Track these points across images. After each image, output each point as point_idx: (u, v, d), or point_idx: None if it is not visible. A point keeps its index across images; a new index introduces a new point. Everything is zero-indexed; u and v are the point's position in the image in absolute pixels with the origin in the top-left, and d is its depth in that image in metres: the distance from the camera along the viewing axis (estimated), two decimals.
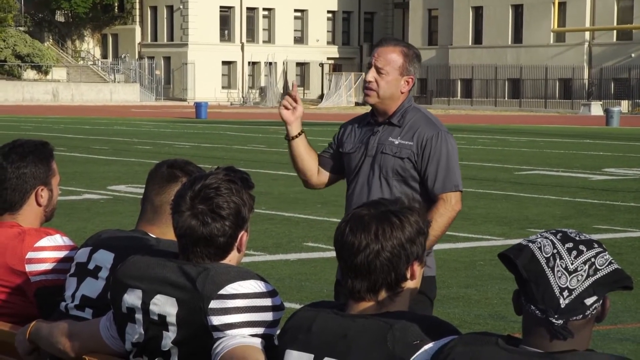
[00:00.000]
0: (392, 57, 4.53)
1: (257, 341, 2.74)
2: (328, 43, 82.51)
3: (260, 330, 2.75)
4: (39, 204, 3.66)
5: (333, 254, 2.67)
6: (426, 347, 2.41)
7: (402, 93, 4.55)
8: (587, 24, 66.64)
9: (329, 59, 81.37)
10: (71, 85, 73.15)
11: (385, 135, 4.57)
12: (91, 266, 3.29)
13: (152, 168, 3.45)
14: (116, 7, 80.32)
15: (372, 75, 4.54)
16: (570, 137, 34.22)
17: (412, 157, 4.52)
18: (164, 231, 3.30)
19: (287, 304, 2.96)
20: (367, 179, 4.60)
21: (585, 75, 68.58)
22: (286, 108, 4.63)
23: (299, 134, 4.67)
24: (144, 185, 3.44)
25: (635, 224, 13.05)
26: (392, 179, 4.54)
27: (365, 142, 4.62)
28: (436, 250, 10.58)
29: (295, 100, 4.62)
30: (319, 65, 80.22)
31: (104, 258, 3.27)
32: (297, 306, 2.69)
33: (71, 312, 3.28)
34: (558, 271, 2.23)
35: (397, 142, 4.54)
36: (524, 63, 70.19)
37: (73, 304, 3.29)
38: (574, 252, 2.25)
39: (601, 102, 60.99)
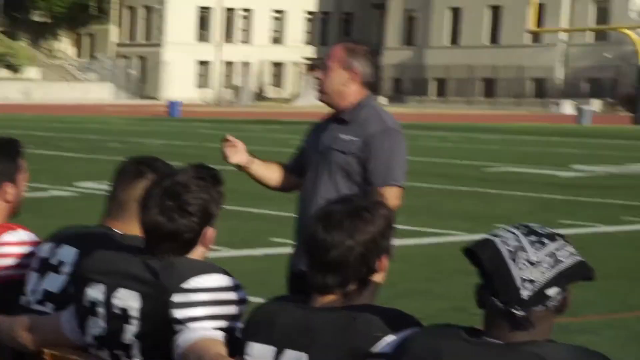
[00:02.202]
0: (335, 53, 4.58)
1: (220, 334, 2.74)
2: (307, 43, 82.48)
3: (223, 324, 2.76)
4: (4, 200, 3.66)
5: None
6: (388, 339, 2.42)
7: (345, 87, 4.56)
8: (565, 25, 66.94)
9: (305, 59, 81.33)
10: (44, 84, 72.79)
11: (336, 131, 4.60)
12: (54, 261, 3.27)
13: (119, 165, 3.44)
14: (93, 8, 79.95)
15: (319, 72, 4.62)
16: (540, 135, 34.38)
17: (357, 153, 4.54)
18: (129, 227, 3.29)
19: (252, 299, 2.99)
20: (316, 174, 4.64)
21: (559, 75, 68.93)
22: (227, 154, 4.70)
23: (250, 162, 4.74)
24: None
25: (600, 219, 13.14)
26: (337, 174, 4.57)
27: (317, 139, 4.68)
28: (402, 245, 10.67)
29: (232, 143, 4.69)
30: (294, 64, 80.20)
31: (67, 253, 3.25)
32: (263, 301, 2.71)
33: (32, 307, 3.27)
34: (521, 263, 2.24)
35: (346, 138, 4.56)
36: (499, 63, 70.45)
37: (35, 298, 3.28)
38: (537, 245, 2.26)
39: (574, 101, 61.33)
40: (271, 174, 4.81)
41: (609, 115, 58.12)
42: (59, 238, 3.33)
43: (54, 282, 3.25)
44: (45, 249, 3.33)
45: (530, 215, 13.48)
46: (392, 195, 4.46)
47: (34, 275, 3.32)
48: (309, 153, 4.72)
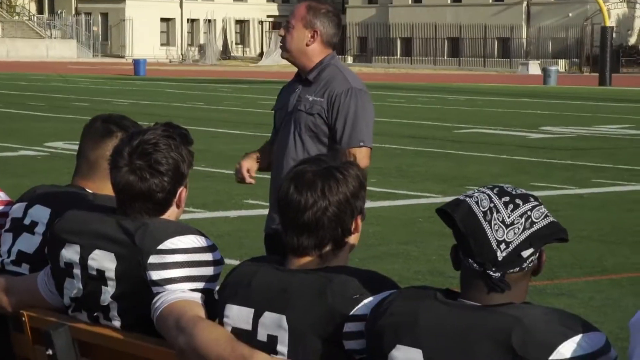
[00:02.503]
0: (297, 11, 4.62)
1: (197, 295, 2.73)
2: (268, 1, 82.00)
3: (200, 285, 2.75)
4: None
5: None
6: (365, 301, 2.43)
7: (307, 46, 4.58)
8: None
9: (268, 16, 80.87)
10: (6, 41, 71.90)
11: (303, 92, 4.62)
12: (27, 222, 3.25)
13: (86, 123, 3.41)
14: None
15: (282, 31, 4.64)
16: (508, 96, 34.50)
17: (322, 113, 4.55)
18: (100, 186, 3.27)
19: (227, 261, 2.97)
20: (285, 135, 4.65)
21: (524, 35, 69.08)
22: (243, 179, 4.70)
23: (255, 165, 4.73)
24: None
25: (572, 181, 13.23)
26: (304, 134, 4.58)
27: (286, 100, 4.70)
28: (375, 207, 10.69)
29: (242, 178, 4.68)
30: (259, 22, 79.73)
31: (40, 213, 3.22)
32: (238, 263, 2.69)
33: (7, 268, 3.24)
34: (495, 224, 2.25)
35: (310, 99, 4.58)
36: (463, 22, 70.46)
37: (9, 259, 3.25)
38: (511, 206, 2.27)
39: (539, 62, 61.51)
40: (269, 158, 4.80)
41: (575, 76, 58.40)
42: (31, 198, 3.29)
43: (28, 243, 3.23)
44: (17, 209, 3.30)
45: (502, 177, 13.54)
46: (360, 156, 4.46)
47: (8, 236, 3.28)
48: (279, 115, 4.74)
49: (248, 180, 4.67)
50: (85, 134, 3.36)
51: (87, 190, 3.28)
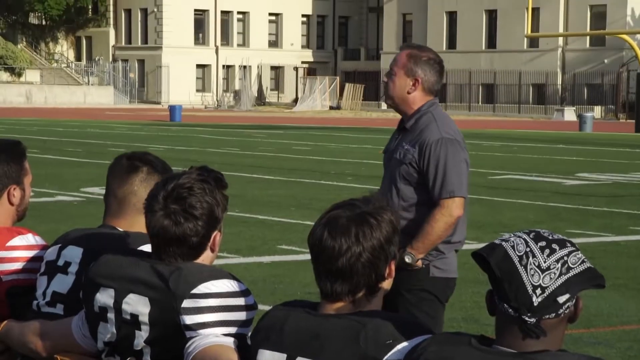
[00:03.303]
0: (399, 59, 4.68)
1: (230, 340, 2.72)
2: (302, 47, 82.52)
3: (233, 330, 2.74)
4: (11, 203, 3.63)
5: (307, 256, 2.65)
6: (399, 346, 2.41)
7: (408, 94, 4.64)
8: (561, 30, 66.99)
9: (303, 62, 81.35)
10: (44, 88, 72.77)
11: (401, 139, 4.71)
12: (60, 262, 3.27)
13: (111, 163, 3.45)
14: (90, 10, 80.00)
15: (385, 77, 4.72)
16: (544, 142, 34.36)
17: (413, 163, 4.61)
18: (131, 223, 3.29)
19: (261, 307, 2.95)
20: (386, 181, 4.75)
21: (559, 81, 68.96)
22: None
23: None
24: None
25: (608, 228, 13.11)
26: (400, 183, 4.64)
27: (389, 146, 4.81)
28: None
29: None
30: (294, 69, 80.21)
31: (73, 253, 3.25)
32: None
33: (43, 310, 3.26)
34: (531, 269, 2.23)
35: (405, 147, 4.65)
36: (497, 68, 70.48)
37: (44, 301, 3.27)
38: (547, 251, 2.24)
39: (574, 108, 61.34)
40: None
41: (611, 122, 58.13)
42: (64, 240, 3.32)
43: (62, 283, 3.24)
44: (50, 252, 3.33)
45: (537, 224, 13.44)
46: (453, 206, 4.55)
47: (43, 279, 3.31)
48: (384, 158, 4.85)
49: None
50: (111, 173, 3.39)
51: (119, 229, 3.30)
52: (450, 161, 4.57)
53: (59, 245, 3.31)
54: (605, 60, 67.00)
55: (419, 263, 4.60)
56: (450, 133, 4.64)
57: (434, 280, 4.70)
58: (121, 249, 3.02)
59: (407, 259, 4.57)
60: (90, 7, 79.31)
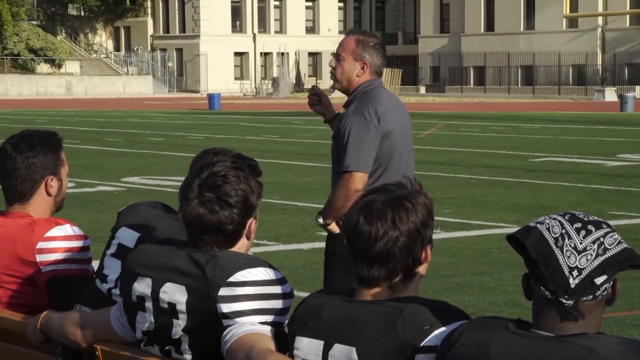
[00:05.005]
0: (346, 44, 4.94)
1: (267, 329, 2.73)
2: (340, 32, 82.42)
3: (269, 318, 2.75)
4: (48, 194, 3.65)
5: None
6: (436, 332, 2.40)
7: (357, 77, 4.88)
8: (600, 9, 66.32)
9: None
10: (84, 79, 73.31)
11: (341, 118, 4.99)
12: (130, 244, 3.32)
13: (197, 155, 3.48)
14: (128, 0, 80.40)
15: (333, 62, 4.98)
16: (584, 124, 34.10)
17: (337, 138, 4.92)
18: None
19: (301, 294, 2.96)
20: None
21: (599, 61, 68.33)
22: (312, 104, 5.15)
23: (334, 117, 5.12)
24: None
25: None
26: (334, 156, 4.96)
27: None
28: (449, 238, 10.60)
29: (316, 95, 5.12)
30: (331, 54, 79.94)
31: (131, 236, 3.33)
32: None
33: (114, 296, 3.29)
34: (567, 251, 2.21)
35: (338, 125, 4.96)
36: (536, 50, 69.97)
37: (116, 289, 3.30)
38: (583, 232, 2.23)
39: (615, 88, 60.74)
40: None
41: None
42: (138, 225, 3.36)
43: None
44: (125, 236, 3.36)
45: (579, 206, 13.34)
46: (349, 179, 4.80)
47: (115, 263, 3.34)
48: None
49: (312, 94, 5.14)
50: (195, 165, 3.40)
51: None
52: (353, 137, 4.79)
53: (135, 231, 3.33)
54: None
55: (333, 227, 4.87)
56: (366, 111, 4.83)
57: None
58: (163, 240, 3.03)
59: (318, 220, 4.91)
60: None
